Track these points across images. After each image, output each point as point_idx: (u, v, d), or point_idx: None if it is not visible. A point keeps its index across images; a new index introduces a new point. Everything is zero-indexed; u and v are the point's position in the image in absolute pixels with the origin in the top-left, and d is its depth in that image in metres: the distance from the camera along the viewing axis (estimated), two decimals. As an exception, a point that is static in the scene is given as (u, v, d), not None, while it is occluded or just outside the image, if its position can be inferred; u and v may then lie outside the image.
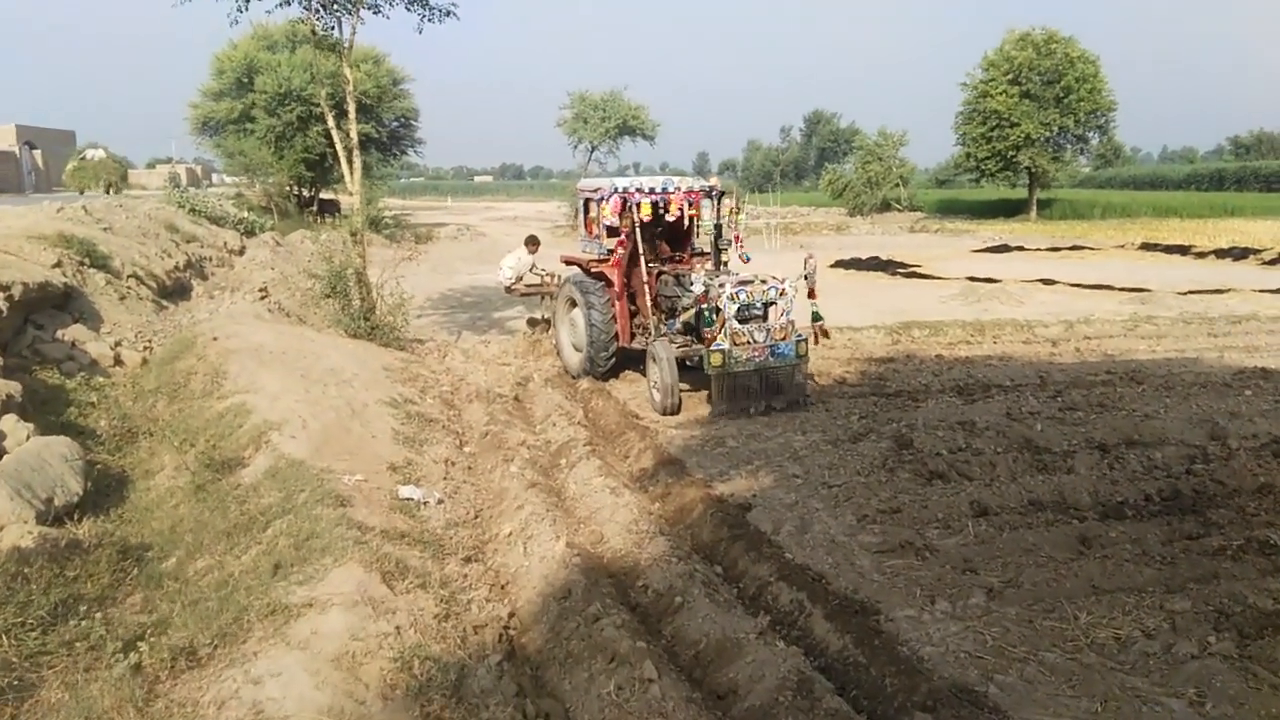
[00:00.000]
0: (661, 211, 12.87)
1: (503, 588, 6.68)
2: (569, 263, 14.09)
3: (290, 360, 11.22)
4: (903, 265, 29.26)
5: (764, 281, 11.43)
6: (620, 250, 12.89)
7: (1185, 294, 21.49)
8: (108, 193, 39.78)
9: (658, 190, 12.74)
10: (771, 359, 11.11)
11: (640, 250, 12.45)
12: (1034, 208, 59.48)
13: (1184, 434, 9.75)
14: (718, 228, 13.22)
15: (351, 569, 5.81)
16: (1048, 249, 36.25)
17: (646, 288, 12.48)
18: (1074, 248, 36.50)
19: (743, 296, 11.15)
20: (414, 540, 6.86)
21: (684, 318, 11.98)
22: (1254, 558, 6.88)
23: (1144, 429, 9.85)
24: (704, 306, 11.06)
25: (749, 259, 13.06)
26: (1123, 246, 36.72)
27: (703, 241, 13.90)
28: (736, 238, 12.99)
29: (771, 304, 11.40)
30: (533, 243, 16.76)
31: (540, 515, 7.50)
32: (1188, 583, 6.46)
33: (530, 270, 16.34)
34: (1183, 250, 33.70)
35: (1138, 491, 8.19)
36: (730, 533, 7.40)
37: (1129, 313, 18.78)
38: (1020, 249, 36.44)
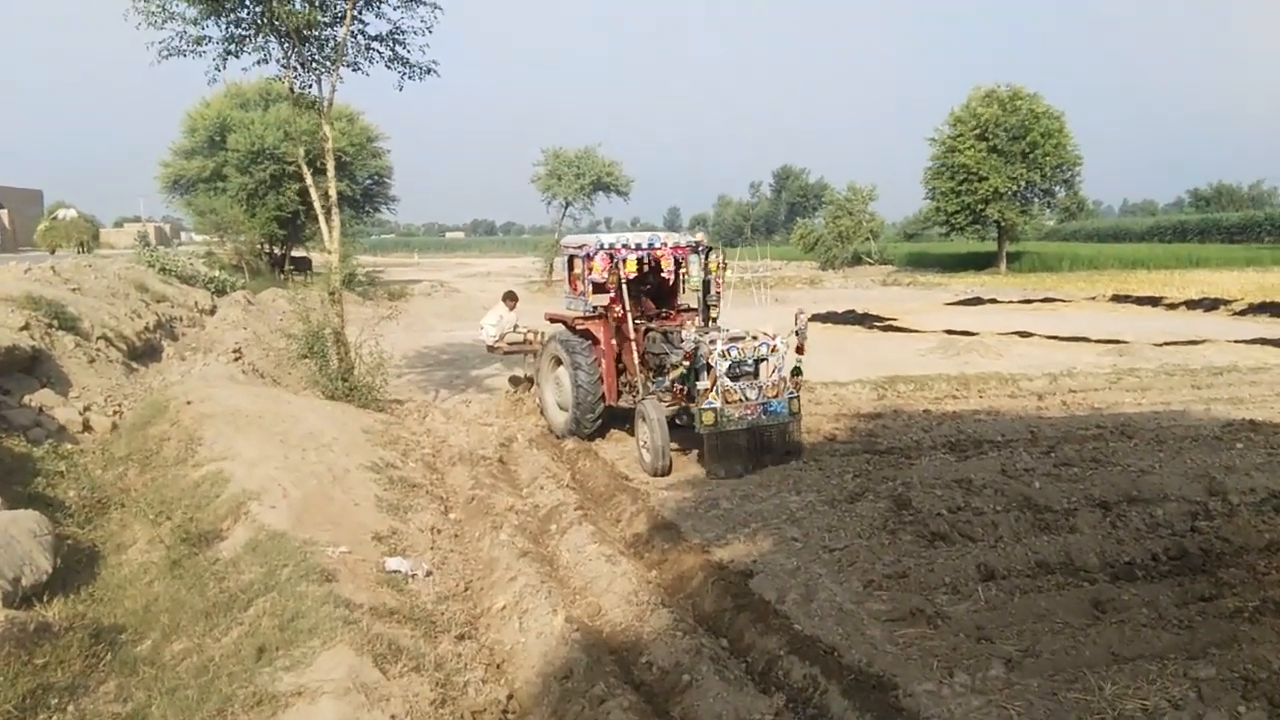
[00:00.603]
0: (648, 268, 12.73)
1: (499, 666, 6.38)
2: (554, 320, 13.86)
3: (267, 424, 10.90)
4: (879, 318, 29.33)
5: (755, 338, 11.20)
6: (607, 307, 12.62)
7: (1162, 345, 21.57)
8: (80, 252, 39.47)
9: (644, 246, 12.62)
10: (764, 417, 10.89)
11: (627, 307, 12.23)
12: (1003, 260, 60.13)
13: (1182, 489, 9.59)
14: (705, 283, 12.99)
15: (341, 652, 5.50)
16: (1020, 301, 36.49)
17: (634, 345, 12.24)
18: (1046, 300, 36.75)
19: (734, 353, 10.90)
20: (404, 617, 6.55)
21: (674, 375, 11.65)
22: (1272, 619, 6.68)
23: (1142, 485, 9.69)
24: (693, 364, 10.84)
25: (716, 316, 12.90)
26: (1094, 298, 37.01)
27: (689, 298, 13.73)
28: (718, 294, 12.91)
29: (763, 360, 11.18)
30: (511, 298, 16.60)
31: (535, 587, 7.21)
32: (1209, 648, 6.25)
33: (513, 328, 16.10)
34: (1154, 302, 34.03)
35: (1144, 551, 8.01)
36: (734, 602, 7.13)
37: (1109, 365, 18.77)
38: (993, 301, 36.67)
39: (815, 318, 28.86)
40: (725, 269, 13.05)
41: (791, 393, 11.08)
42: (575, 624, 6.51)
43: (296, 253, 47.52)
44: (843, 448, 12.02)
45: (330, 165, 14.51)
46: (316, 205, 14.72)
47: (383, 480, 10.06)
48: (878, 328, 27.43)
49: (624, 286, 12.22)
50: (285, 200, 41.29)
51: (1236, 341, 22.31)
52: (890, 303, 36.51)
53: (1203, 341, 22.24)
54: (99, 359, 14.94)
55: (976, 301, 36.89)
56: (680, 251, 12.88)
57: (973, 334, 23.99)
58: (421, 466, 11.47)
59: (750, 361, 11.10)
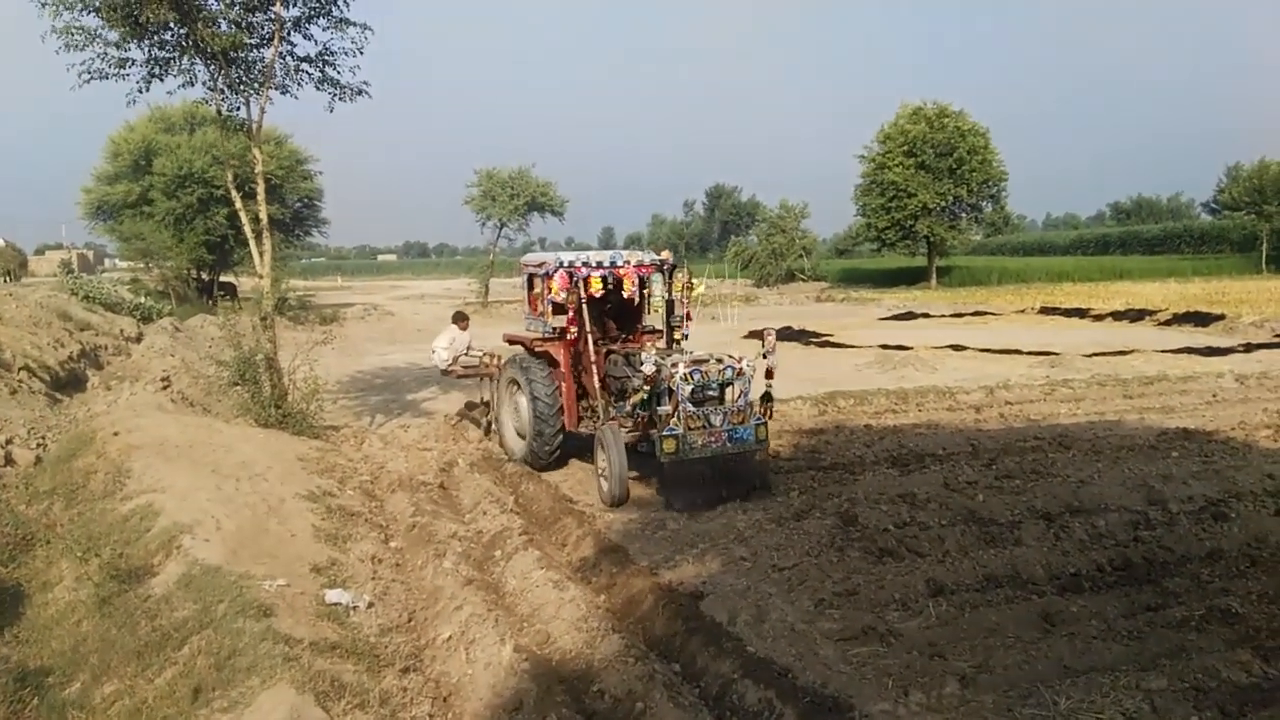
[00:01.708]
0: (610, 287, 12.18)
1: (446, 700, 6.19)
2: (512, 341, 13.35)
3: (199, 454, 10.60)
4: (815, 334, 29.56)
5: (720, 360, 10.67)
6: (567, 328, 12.08)
7: (1091, 356, 22.00)
8: (6, 281, 38.69)
9: (606, 265, 12.09)
10: (729, 444, 10.22)
11: (587, 328, 11.76)
12: (934, 275, 61.07)
13: (1122, 499, 9.68)
14: (669, 304, 12.59)
15: (282, 691, 5.31)
16: (952, 315, 37.05)
17: (595, 368, 11.73)
18: (977, 313, 37.37)
19: (697, 377, 10.37)
20: (346, 651, 6.35)
21: (634, 400, 11.19)
22: (1218, 628, 6.77)
23: (1083, 495, 9.77)
24: (654, 388, 10.39)
25: (687, 336, 12.49)
26: (1023, 311, 37.70)
27: (654, 318, 13.24)
28: (688, 315, 12.39)
29: (728, 384, 10.73)
30: (461, 319, 16.09)
31: (481, 616, 7.04)
32: (1159, 658, 6.28)
33: (466, 350, 15.61)
34: (1081, 313, 34.75)
35: (1089, 562, 8.06)
36: (685, 626, 7.02)
37: (1042, 376, 19.05)
38: (926, 316, 37.18)
39: (752, 334, 28.99)
40: (692, 288, 12.49)
41: (758, 418, 10.46)
42: (524, 653, 6.36)
43: (226, 278, 46.76)
44: (787, 464, 11.99)
45: (260, 188, 14.22)
46: (247, 229, 14.40)
47: (320, 509, 9.82)
48: (814, 343, 27.61)
49: (584, 306, 11.74)
50: (214, 224, 40.61)
51: (1163, 351, 22.82)
52: (825, 319, 36.83)
53: (1131, 351, 22.70)
54: (20, 390, 14.52)
55: (909, 316, 37.39)
56: (644, 270, 12.36)
57: (908, 348, 24.25)
58: (360, 494, 11.22)
59: (715, 385, 10.65)
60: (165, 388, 16.86)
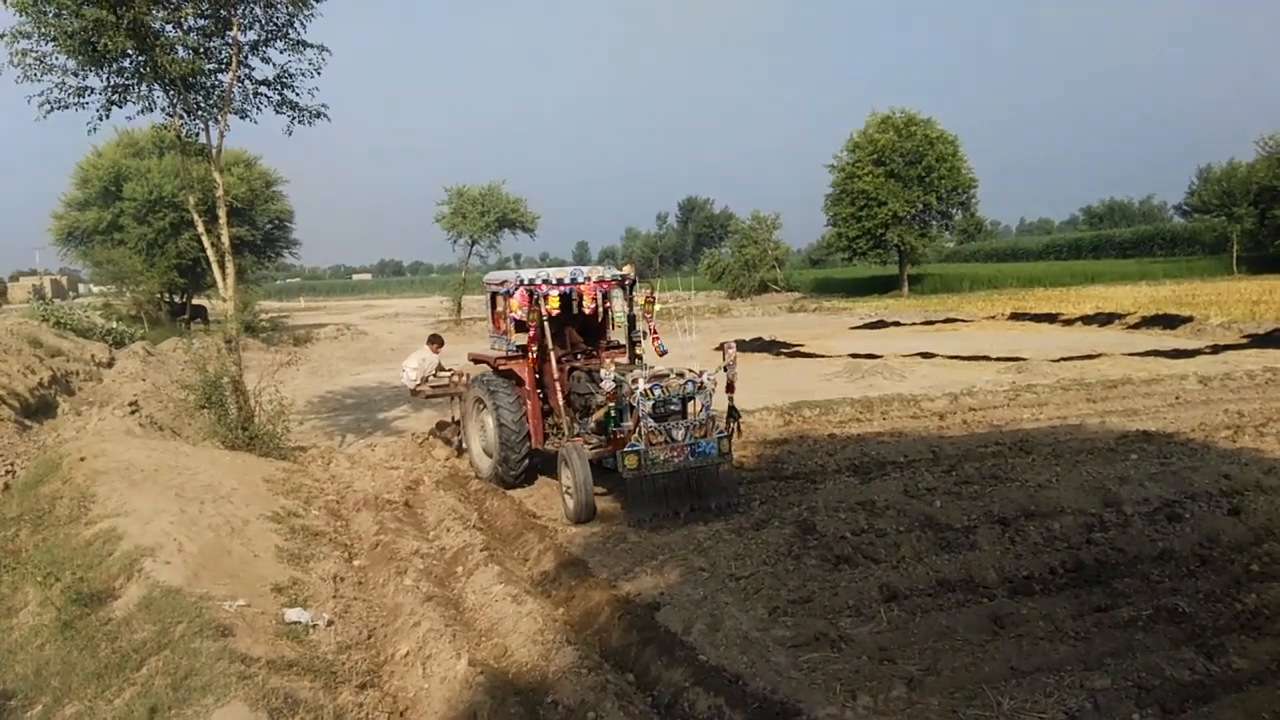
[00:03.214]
0: (576, 305, 12.20)
1: (402, 714, 6.24)
2: (477, 361, 13.34)
3: (164, 478, 10.60)
4: (786, 345, 29.71)
5: (680, 375, 10.63)
6: (529, 346, 11.98)
7: (1058, 361, 22.16)
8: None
9: (566, 281, 12.08)
10: (692, 459, 10.22)
11: (549, 345, 11.78)
12: (905, 283, 61.46)
13: (1078, 502, 9.82)
14: (631, 319, 12.69)
15: (236, 708, 5.35)
16: (923, 323, 37.26)
17: (558, 385, 11.76)
18: (948, 320, 37.61)
19: (658, 392, 10.33)
20: (303, 669, 6.39)
21: (597, 416, 11.19)
22: (1165, 627, 6.90)
23: (1039, 499, 9.91)
24: (614, 404, 10.33)
25: (665, 351, 12.22)
26: (994, 317, 37.98)
27: (618, 334, 13.21)
28: (653, 329, 12.19)
29: (690, 399, 10.66)
30: (436, 341, 16.09)
31: (439, 631, 7.10)
32: (1104, 658, 6.40)
33: (435, 371, 15.70)
34: (1050, 319, 35.02)
35: (1042, 564, 8.18)
36: (640, 636, 7.10)
37: (1008, 382, 19.21)
38: (897, 324, 37.39)
39: (721, 346, 29.12)
40: (654, 303, 12.31)
41: (721, 432, 10.45)
42: (480, 667, 6.42)
43: (198, 301, 46.64)
44: (749, 475, 12.08)
45: (223, 212, 14.26)
46: (210, 253, 14.43)
47: (284, 530, 9.85)
48: (784, 354, 27.75)
49: (544, 324, 11.73)
50: (185, 248, 40.51)
51: (1130, 354, 23.03)
52: (797, 329, 37.01)
53: (1098, 356, 22.91)
54: (-11, 418, 14.46)
55: (880, 325, 37.60)
56: (604, 285, 12.28)
57: (877, 357, 24.40)
58: (325, 514, 11.25)
59: (676, 400, 10.56)
60: (134, 412, 16.82)
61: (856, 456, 12.68)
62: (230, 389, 14.30)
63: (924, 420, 15.56)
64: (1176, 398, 16.64)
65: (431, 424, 16.59)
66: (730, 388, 10.88)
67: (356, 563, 9.62)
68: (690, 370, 10.86)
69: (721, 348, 10.99)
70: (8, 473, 12.11)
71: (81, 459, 11.19)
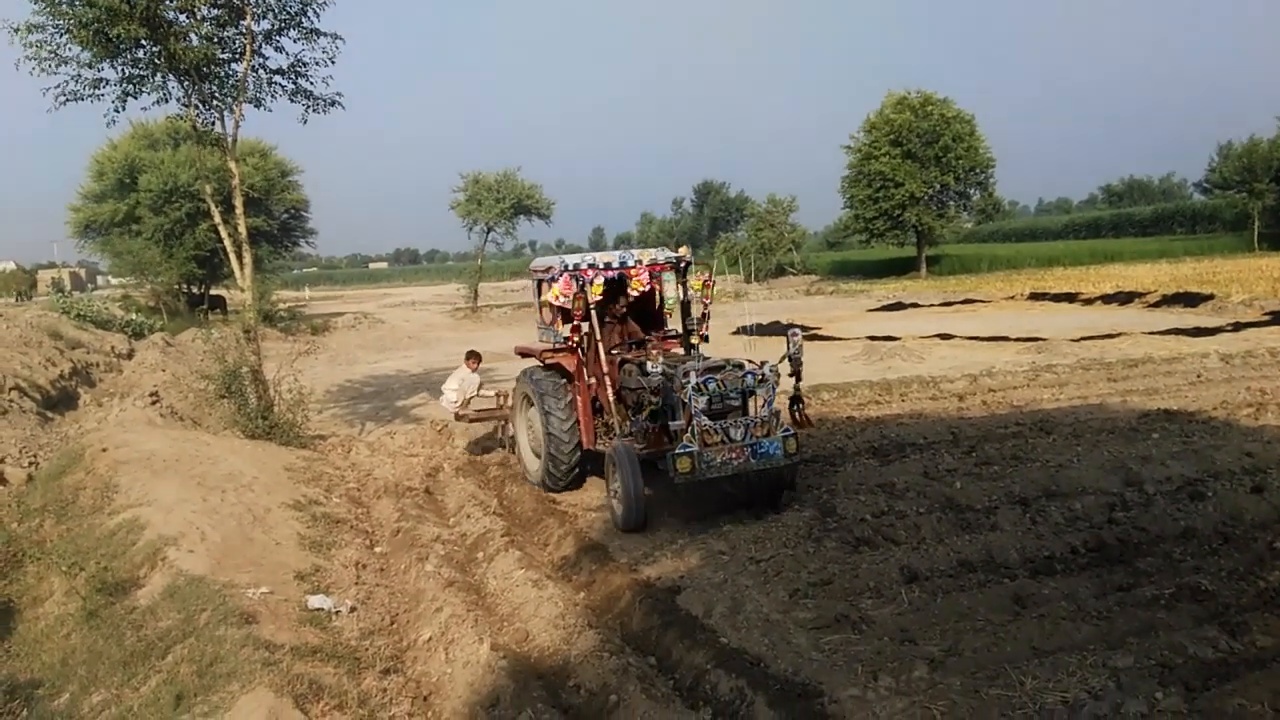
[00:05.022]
0: (634, 291, 11.28)
1: (425, 699, 6.29)
2: (523, 354, 12.41)
3: (185, 468, 10.68)
4: (804, 328, 29.56)
5: (739, 366, 9.65)
6: (571, 337, 10.99)
7: (1078, 340, 22.05)
8: (18, 301, 39.50)
9: (614, 265, 11.08)
10: (753, 460, 9.12)
11: (598, 336, 10.68)
12: (923, 265, 61.18)
13: (1100, 482, 9.78)
14: (685, 305, 11.61)
15: (261, 695, 5.40)
16: (941, 304, 37.12)
17: (608, 379, 10.63)
18: (966, 301, 37.43)
19: (711, 386, 9.31)
20: (327, 655, 6.44)
21: (646, 413, 10.14)
22: (1187, 605, 6.84)
23: (1060, 479, 9.87)
24: (658, 399, 9.60)
25: (707, 339, 11.24)
26: (1013, 297, 37.77)
27: (673, 321, 12.14)
28: (705, 315, 11.19)
29: (751, 393, 9.65)
30: (473, 358, 14.72)
31: (461, 616, 7.14)
32: (1126, 637, 6.35)
33: (478, 391, 14.35)
34: (1070, 298, 34.81)
35: (1063, 544, 8.14)
36: (661, 620, 7.12)
37: (1028, 362, 19.13)
38: (915, 306, 37.25)
39: (740, 330, 29.07)
40: (712, 287, 11.32)
41: (787, 430, 9.34)
42: (502, 651, 6.45)
43: (217, 291, 46.88)
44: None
45: (239, 202, 14.30)
46: (227, 243, 14.47)
47: (305, 518, 9.92)
48: (803, 337, 27.63)
49: (592, 312, 10.63)
50: (203, 238, 40.68)
51: (1151, 333, 22.88)
52: (814, 312, 36.93)
53: (1118, 335, 22.77)
54: (12, 410, 14.62)
55: (899, 306, 37.46)
56: (657, 268, 11.29)
57: (895, 339, 24.33)
58: (346, 501, 11.31)
59: (734, 394, 9.56)
60: (154, 403, 16.96)
61: (875, 439, 12.64)
62: (250, 378, 14.37)
63: (943, 401, 15.50)
64: (1198, 376, 16.53)
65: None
66: (797, 375, 10.06)
67: (378, 549, 9.68)
68: (750, 361, 9.87)
69: (786, 333, 10.34)
70: (31, 464, 12.22)
71: (104, 450, 11.28)
